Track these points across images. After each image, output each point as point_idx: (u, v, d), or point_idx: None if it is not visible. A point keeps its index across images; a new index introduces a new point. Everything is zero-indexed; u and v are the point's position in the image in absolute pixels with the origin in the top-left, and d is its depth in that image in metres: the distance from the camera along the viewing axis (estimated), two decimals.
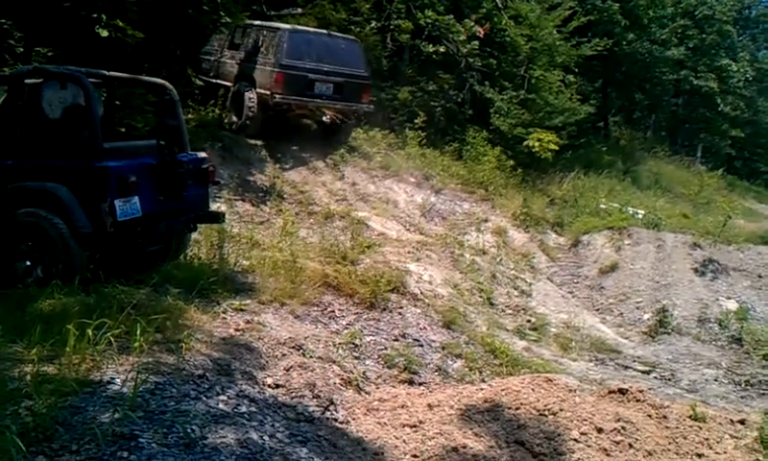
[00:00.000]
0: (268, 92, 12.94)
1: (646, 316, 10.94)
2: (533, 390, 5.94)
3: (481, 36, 18.10)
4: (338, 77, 13.60)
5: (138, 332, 4.95)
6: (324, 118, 14.17)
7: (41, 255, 6.47)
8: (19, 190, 6.56)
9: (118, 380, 4.45)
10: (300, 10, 17.17)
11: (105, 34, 9.56)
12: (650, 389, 6.88)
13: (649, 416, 5.82)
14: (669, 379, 8.81)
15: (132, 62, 10.42)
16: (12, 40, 10.70)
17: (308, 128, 14.55)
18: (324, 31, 14.48)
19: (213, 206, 8.73)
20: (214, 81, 14.29)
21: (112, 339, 4.75)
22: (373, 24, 17.42)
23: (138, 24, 10.02)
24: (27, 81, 7.01)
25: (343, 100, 13.82)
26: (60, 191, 6.44)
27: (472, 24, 18.11)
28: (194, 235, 8.22)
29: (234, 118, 13.45)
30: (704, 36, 29.21)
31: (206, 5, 11.75)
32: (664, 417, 5.83)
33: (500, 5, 18.86)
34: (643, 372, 8.96)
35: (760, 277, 12.23)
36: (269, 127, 13.44)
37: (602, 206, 15.45)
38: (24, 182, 6.59)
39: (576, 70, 19.93)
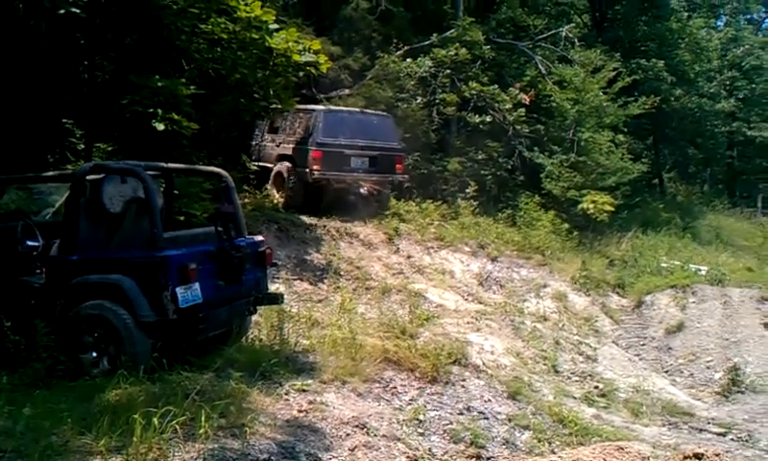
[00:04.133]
0: (307, 169, 13.80)
1: (717, 375, 10.56)
2: (605, 459, 5.73)
3: (527, 103, 18.24)
4: (372, 150, 14.47)
5: (203, 419, 4.98)
6: (361, 190, 14.84)
7: (106, 346, 6.58)
8: (83, 284, 6.72)
9: None
10: (347, 91, 17.56)
11: (161, 127, 9.87)
12: (727, 452, 6.61)
13: None
14: (746, 441, 8.43)
15: (188, 152, 10.76)
16: (73, 138, 11.14)
17: (346, 199, 14.99)
18: (358, 109, 15.48)
19: (272, 288, 8.82)
20: (256, 164, 15.06)
21: (178, 427, 4.79)
22: (419, 100, 17.70)
23: (193, 115, 10.35)
24: (88, 177, 7.26)
25: (378, 172, 14.69)
26: (123, 282, 6.58)
27: (517, 92, 18.30)
28: (254, 317, 8.27)
29: (276, 195, 14.27)
30: (753, 86, 28.88)
31: (257, 92, 12.10)
32: None
33: (544, 71, 19.00)
34: (719, 434, 8.60)
35: None
36: (310, 200, 14.13)
37: (663, 264, 15.10)
38: (87, 276, 6.76)
39: (625, 129, 19.81)
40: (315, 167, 13.76)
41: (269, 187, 14.46)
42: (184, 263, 6.69)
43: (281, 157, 14.53)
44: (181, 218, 9.38)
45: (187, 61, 11.19)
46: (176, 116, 10.01)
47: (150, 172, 7.22)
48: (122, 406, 5.29)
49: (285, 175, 14.14)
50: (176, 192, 8.98)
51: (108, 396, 5.61)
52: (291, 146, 14.37)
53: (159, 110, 9.91)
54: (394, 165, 14.84)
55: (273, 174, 14.52)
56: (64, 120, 10.99)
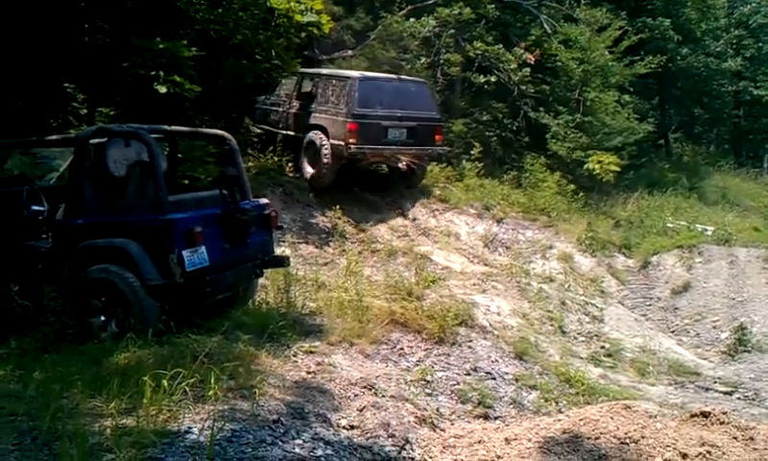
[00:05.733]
0: (342, 143, 12.81)
1: (724, 335, 10.56)
2: (612, 418, 5.74)
3: (532, 62, 18.06)
4: (411, 121, 13.49)
5: (212, 380, 5.00)
6: (399, 165, 13.87)
7: (114, 310, 6.61)
8: (89, 248, 6.73)
9: (195, 430, 4.48)
10: (350, 52, 17.42)
11: (163, 90, 9.82)
12: (734, 410, 6.61)
13: (735, 438, 5.55)
14: (753, 399, 8.45)
15: (192, 115, 10.70)
16: (75, 103, 11.08)
17: (383, 174, 14.57)
18: (394, 75, 14.49)
19: (278, 251, 8.83)
20: (284, 132, 14.23)
21: (187, 389, 4.80)
22: (423, 60, 17.53)
23: (195, 78, 10.27)
24: (92, 141, 7.22)
25: (417, 144, 13.68)
26: (130, 246, 6.59)
27: (522, 51, 18.09)
28: (261, 280, 8.30)
29: (309, 169, 13.44)
30: (760, 44, 28.52)
31: (259, 54, 11.99)
32: (751, 438, 5.54)
33: (549, 30, 18.78)
34: (725, 393, 8.62)
35: None
36: (342, 175, 13.44)
37: (669, 224, 15.06)
38: (94, 240, 6.75)
39: (631, 89, 19.65)
40: (351, 140, 12.73)
41: (301, 159, 13.60)
42: (190, 226, 6.70)
43: (313, 127, 13.48)
44: (186, 182, 9.35)
45: (188, 23, 11.09)
46: (177, 79, 9.96)
47: (153, 135, 7.18)
48: (131, 369, 5.32)
49: (318, 146, 13.17)
50: (179, 155, 8.93)
51: (118, 359, 5.63)
52: (323, 115, 13.34)
53: (161, 73, 9.86)
54: (433, 136, 13.92)
55: (304, 145, 13.55)
56: (66, 84, 10.90)
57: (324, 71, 13.97)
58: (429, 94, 14.40)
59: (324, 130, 13.19)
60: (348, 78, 13.28)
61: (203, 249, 6.80)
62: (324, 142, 13.05)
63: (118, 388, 4.85)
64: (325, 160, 13.03)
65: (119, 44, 10.38)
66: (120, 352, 5.71)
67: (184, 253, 6.61)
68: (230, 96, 12.52)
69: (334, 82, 13.44)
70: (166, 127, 7.86)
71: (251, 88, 13.45)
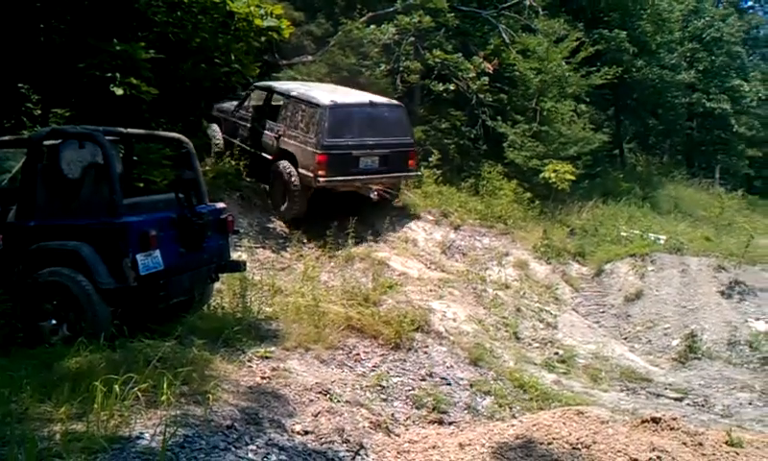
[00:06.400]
0: (311, 174, 12.18)
1: (675, 342, 10.80)
2: (564, 424, 5.82)
3: (490, 71, 18.21)
4: (383, 149, 12.89)
5: (165, 386, 4.95)
6: (371, 195, 13.46)
7: (66, 314, 6.51)
8: (42, 251, 6.63)
9: (147, 435, 4.43)
10: (310, 57, 17.40)
11: (120, 92, 9.73)
12: (684, 416, 6.74)
13: (684, 444, 5.66)
14: (703, 405, 8.66)
15: (149, 118, 10.59)
16: (29, 104, 10.91)
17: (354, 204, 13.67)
18: (367, 99, 13.44)
19: (234, 255, 8.79)
20: (252, 150, 13.60)
21: (140, 394, 4.76)
22: (383, 67, 17.57)
23: (152, 80, 10.18)
24: (45, 142, 7.11)
25: (390, 171, 13.18)
26: (83, 249, 6.50)
27: (481, 61, 18.24)
28: (216, 285, 8.26)
29: (279, 199, 12.82)
30: (713, 58, 29.18)
31: (219, 58, 11.92)
32: (700, 444, 5.66)
33: (507, 40, 18.99)
34: (676, 399, 8.82)
35: None
36: (314, 206, 12.76)
37: (623, 233, 15.32)
38: (46, 243, 6.65)
39: (587, 100, 19.95)
40: (320, 172, 12.06)
41: (268, 189, 13.09)
42: (145, 230, 6.64)
43: (281, 153, 12.78)
44: (141, 185, 9.25)
45: (147, 25, 10.98)
46: (135, 81, 9.87)
47: (108, 137, 7.10)
48: (82, 374, 5.24)
49: (286, 177, 12.49)
50: (135, 158, 8.85)
51: (69, 363, 5.54)
52: (293, 142, 12.60)
53: (118, 75, 9.77)
54: (406, 162, 13.27)
55: (271, 173, 12.93)
56: (20, 85, 10.72)
57: (295, 92, 13.16)
58: (404, 118, 13.64)
59: (292, 157, 12.60)
60: (319, 105, 12.43)
61: (157, 253, 6.74)
62: (292, 173, 12.47)
63: (69, 393, 4.79)
64: (295, 191, 12.47)
65: (75, 45, 10.24)
66: (71, 357, 5.63)
67: (138, 256, 6.54)
68: (189, 99, 12.40)
69: (304, 107, 12.67)
70: (122, 129, 7.78)
71: (209, 92, 13.32)
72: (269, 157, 13.04)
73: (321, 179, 12.10)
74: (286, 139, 12.72)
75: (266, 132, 13.26)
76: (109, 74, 9.77)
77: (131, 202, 6.99)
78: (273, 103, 13.46)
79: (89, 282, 6.43)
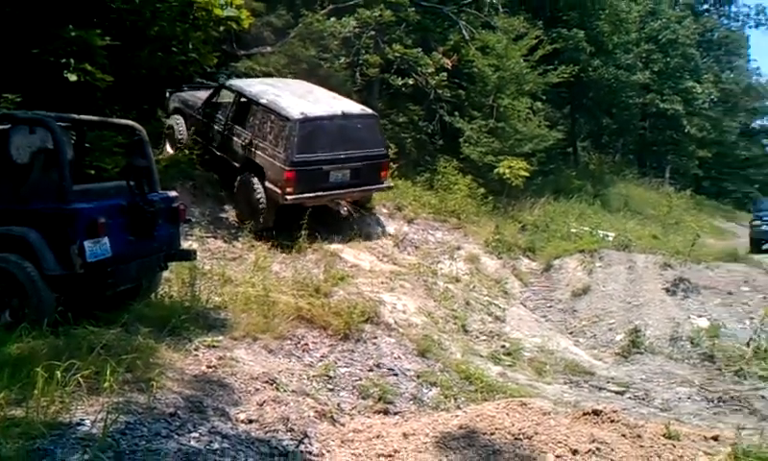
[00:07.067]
0: (279, 190, 11.58)
1: (619, 337, 11.01)
2: (507, 415, 5.94)
3: (449, 67, 18.40)
4: (355, 162, 12.25)
5: (108, 372, 4.95)
6: (340, 210, 13.15)
7: (9, 299, 6.46)
8: None
9: (88, 421, 4.44)
10: (269, 48, 17.33)
11: (73, 78, 9.62)
12: (624, 409, 6.91)
13: (623, 436, 5.82)
14: (643, 399, 8.83)
15: (103, 105, 10.49)
16: None
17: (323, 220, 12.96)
18: (339, 110, 12.52)
19: (185, 244, 8.77)
20: (220, 154, 12.89)
21: (82, 380, 4.75)
22: (342, 60, 17.62)
23: (107, 68, 10.08)
24: None
25: (361, 184, 12.61)
26: (29, 235, 6.46)
27: (440, 56, 18.42)
28: (165, 274, 8.22)
29: (245, 212, 12.16)
30: (668, 59, 29.80)
31: (176, 47, 11.84)
32: (638, 436, 5.83)
33: (467, 37, 19.16)
34: (617, 392, 8.99)
35: (730, 293, 12.43)
36: (282, 221, 12.07)
37: (573, 230, 15.62)
38: None
39: (544, 98, 20.30)
40: (288, 189, 11.47)
41: (235, 199, 12.43)
42: (93, 217, 6.61)
43: (248, 164, 12.14)
44: (92, 172, 9.17)
45: (103, 12, 10.85)
46: (89, 67, 9.78)
47: (60, 123, 7.05)
48: (23, 359, 5.21)
49: (252, 190, 11.91)
50: (87, 145, 8.78)
51: (10, 349, 5.49)
52: (261, 154, 11.92)
53: (72, 61, 9.66)
54: (378, 173, 12.75)
55: (237, 182, 12.30)
56: None
57: (264, 99, 12.31)
58: (377, 128, 13.08)
59: (260, 170, 11.96)
60: (289, 119, 11.68)
61: (105, 240, 6.71)
62: (258, 189, 11.88)
63: (8, 379, 4.76)
64: (261, 207, 11.87)
65: (29, 29, 10.08)
66: (13, 343, 5.58)
67: (86, 243, 6.51)
68: (144, 87, 12.28)
69: (273, 118, 11.92)
70: (74, 115, 7.72)
71: (165, 80, 13.15)
72: (236, 164, 12.49)
73: (289, 196, 11.57)
74: (254, 150, 12.09)
75: (234, 138, 12.59)
76: (64, 60, 9.66)
77: (80, 188, 6.95)
78: (241, 104, 12.70)
79: (35, 269, 6.38)
